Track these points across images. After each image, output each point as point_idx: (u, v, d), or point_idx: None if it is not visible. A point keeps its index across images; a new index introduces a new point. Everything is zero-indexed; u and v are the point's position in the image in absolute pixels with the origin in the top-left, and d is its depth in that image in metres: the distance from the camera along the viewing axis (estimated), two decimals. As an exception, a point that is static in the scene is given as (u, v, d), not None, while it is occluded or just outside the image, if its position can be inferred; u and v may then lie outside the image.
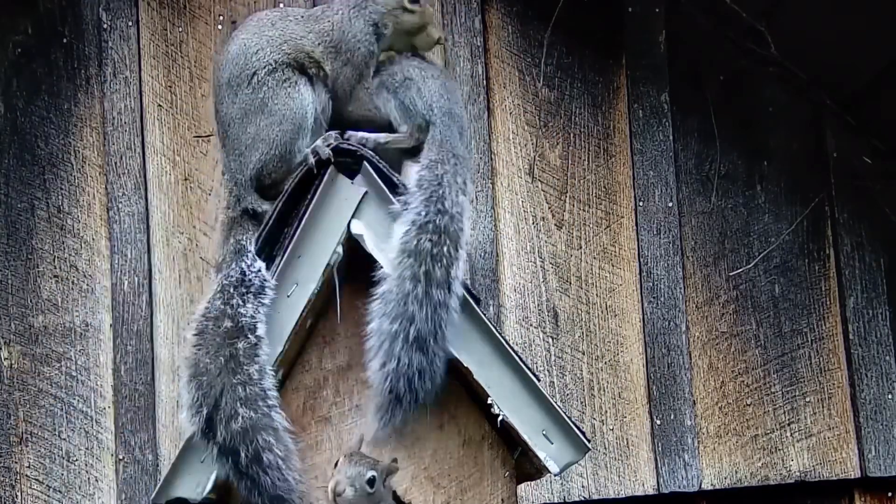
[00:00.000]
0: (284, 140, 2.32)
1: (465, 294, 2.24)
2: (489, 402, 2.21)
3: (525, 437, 2.21)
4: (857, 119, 3.37)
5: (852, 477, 3.30)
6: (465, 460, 2.27)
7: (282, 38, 2.36)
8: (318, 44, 2.36)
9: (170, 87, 3.21)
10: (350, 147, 2.25)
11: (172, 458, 2.24)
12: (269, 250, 2.28)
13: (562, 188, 3.32)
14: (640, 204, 3.32)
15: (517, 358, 2.23)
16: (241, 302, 2.18)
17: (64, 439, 3.09)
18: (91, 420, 3.10)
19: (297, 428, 2.23)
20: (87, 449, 3.09)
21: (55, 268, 3.14)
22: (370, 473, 2.14)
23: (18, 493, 3.06)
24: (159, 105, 3.20)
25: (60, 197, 3.17)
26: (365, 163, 2.23)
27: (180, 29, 3.23)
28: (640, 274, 3.30)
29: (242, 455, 2.10)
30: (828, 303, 3.37)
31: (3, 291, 3.12)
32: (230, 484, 2.15)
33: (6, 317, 3.12)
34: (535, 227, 3.29)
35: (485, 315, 2.25)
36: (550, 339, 3.25)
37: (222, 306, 2.19)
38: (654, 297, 3.29)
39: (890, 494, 3.34)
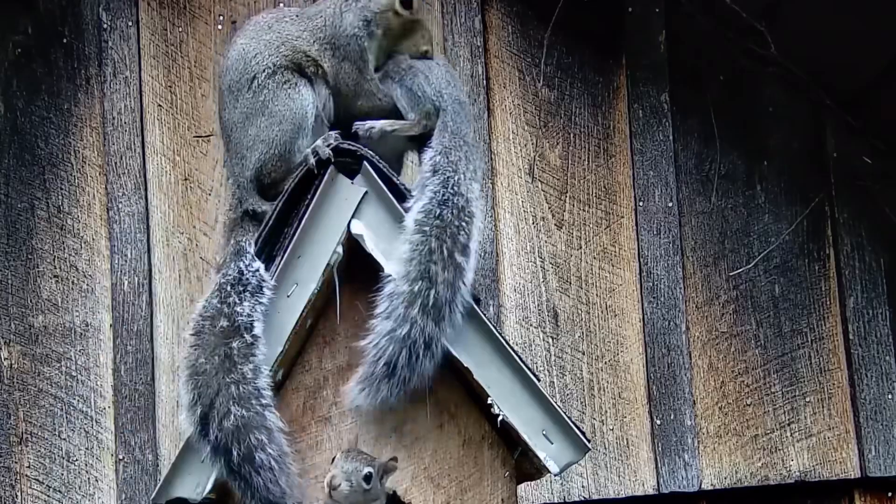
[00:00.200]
0: (284, 139, 2.32)
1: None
2: (489, 402, 2.21)
3: (525, 437, 2.21)
4: (857, 119, 3.37)
5: (852, 477, 3.30)
6: (465, 460, 2.27)
7: (279, 41, 2.37)
8: (314, 42, 2.37)
9: (170, 87, 3.21)
10: (350, 147, 2.25)
11: (172, 458, 2.24)
12: (269, 250, 2.28)
13: (562, 188, 3.32)
14: (640, 204, 3.32)
15: (517, 358, 2.23)
16: (237, 301, 2.18)
17: (64, 439, 3.09)
18: (91, 420, 3.10)
19: (296, 428, 2.23)
20: (87, 449, 3.09)
21: (55, 268, 3.14)
22: (367, 469, 2.14)
23: (18, 493, 3.06)
24: (159, 105, 3.20)
25: (60, 197, 3.17)
26: (365, 163, 2.23)
27: (180, 29, 3.23)
28: (640, 274, 3.30)
29: (234, 454, 2.09)
30: (828, 303, 3.37)
31: (3, 291, 3.12)
32: (228, 484, 2.15)
33: (6, 317, 3.12)
34: (535, 227, 3.29)
35: (485, 315, 2.25)
36: (550, 339, 3.25)
37: (219, 305, 2.19)
38: (654, 297, 3.29)
39: (890, 494, 3.34)
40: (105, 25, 3.21)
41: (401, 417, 2.25)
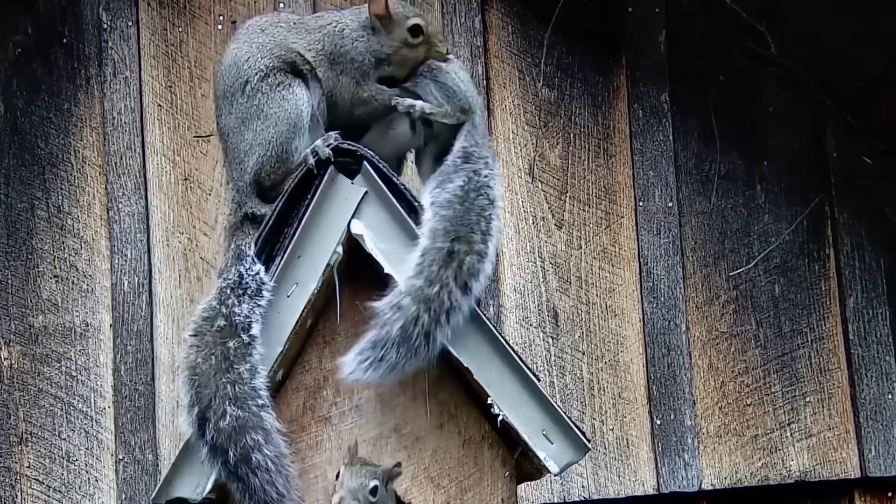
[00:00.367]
0: (280, 140, 2.32)
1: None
2: (489, 402, 2.21)
3: (525, 437, 2.21)
4: (857, 119, 3.37)
5: (852, 477, 3.30)
6: (465, 460, 2.27)
7: (272, 43, 2.35)
8: (310, 49, 2.36)
9: (170, 87, 3.21)
10: (350, 147, 2.25)
11: (172, 458, 2.24)
12: (268, 250, 2.28)
13: (562, 188, 3.32)
14: (640, 204, 3.32)
15: (517, 358, 2.23)
16: (236, 302, 2.17)
17: (64, 439, 3.09)
18: (91, 420, 3.10)
19: (296, 428, 2.23)
20: (87, 449, 3.09)
21: (55, 268, 3.14)
22: (372, 483, 2.13)
23: (18, 493, 3.06)
24: (159, 105, 3.20)
25: (60, 197, 3.17)
26: (365, 163, 2.23)
27: (180, 29, 3.23)
28: (640, 274, 3.30)
29: (231, 454, 2.09)
30: (828, 303, 3.37)
31: (3, 291, 3.12)
32: (227, 485, 2.15)
33: (6, 317, 3.12)
34: (535, 227, 3.29)
35: (485, 315, 2.25)
36: (550, 339, 3.25)
37: (218, 306, 2.19)
38: (654, 297, 3.29)
39: (890, 494, 3.34)
40: (105, 25, 3.21)
41: (401, 417, 2.25)
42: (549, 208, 3.30)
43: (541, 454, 2.21)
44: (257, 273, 2.21)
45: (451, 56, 2.43)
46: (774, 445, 3.29)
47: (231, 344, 2.14)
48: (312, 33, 2.37)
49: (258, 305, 2.18)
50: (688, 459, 3.24)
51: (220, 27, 3.23)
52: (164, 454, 3.09)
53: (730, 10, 3.23)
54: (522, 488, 2.79)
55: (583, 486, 3.21)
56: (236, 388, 2.12)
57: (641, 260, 3.31)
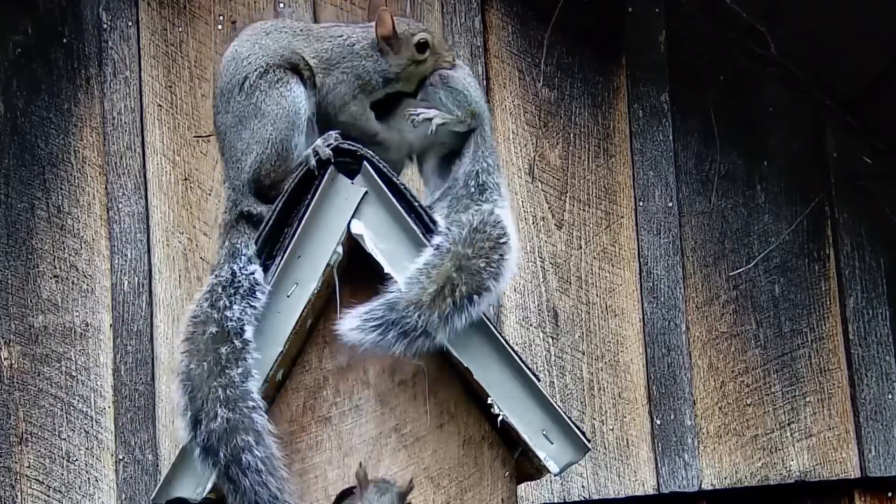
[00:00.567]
0: (280, 137, 2.31)
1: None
2: (489, 402, 2.21)
3: (525, 437, 2.21)
4: (857, 119, 3.37)
5: (852, 477, 3.30)
6: (465, 460, 2.27)
7: (276, 45, 2.35)
8: (314, 57, 2.36)
9: (170, 87, 3.21)
10: (350, 147, 2.25)
11: (172, 458, 2.24)
12: (268, 251, 2.28)
13: (562, 188, 3.32)
14: (640, 204, 3.32)
15: (517, 358, 2.23)
16: (227, 304, 2.16)
17: (64, 439, 3.09)
18: (91, 420, 3.10)
19: (296, 428, 2.23)
20: (87, 449, 3.09)
21: (55, 268, 3.14)
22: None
23: (18, 493, 3.06)
24: (159, 105, 3.21)
25: (60, 197, 3.17)
26: (365, 163, 2.23)
27: (180, 29, 3.23)
28: (640, 274, 3.30)
29: (222, 455, 2.09)
30: (828, 303, 3.37)
31: (3, 291, 3.13)
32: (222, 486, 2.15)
33: (6, 317, 3.12)
34: (535, 227, 3.29)
35: (485, 315, 2.25)
36: (550, 339, 3.25)
37: (209, 309, 2.18)
38: (654, 297, 3.29)
39: (890, 494, 3.34)
40: (105, 25, 3.21)
41: (401, 417, 2.25)
42: (549, 208, 3.30)
43: (541, 454, 2.21)
44: (252, 273, 2.20)
45: (458, 62, 2.44)
46: (774, 445, 3.29)
47: (223, 350, 2.14)
48: (321, 41, 2.37)
49: (251, 306, 2.17)
50: (688, 459, 3.24)
51: (220, 27, 3.23)
52: (164, 454, 3.09)
53: (730, 10, 3.23)
54: (522, 488, 2.80)
55: (583, 486, 3.21)
56: (227, 391, 2.11)
57: (641, 260, 3.31)
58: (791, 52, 3.28)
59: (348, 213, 2.21)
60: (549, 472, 2.24)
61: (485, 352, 2.21)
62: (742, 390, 3.30)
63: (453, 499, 2.25)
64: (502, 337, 2.24)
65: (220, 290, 2.19)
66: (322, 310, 2.27)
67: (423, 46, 2.37)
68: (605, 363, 3.26)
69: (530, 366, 2.27)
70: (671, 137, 3.35)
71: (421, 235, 2.19)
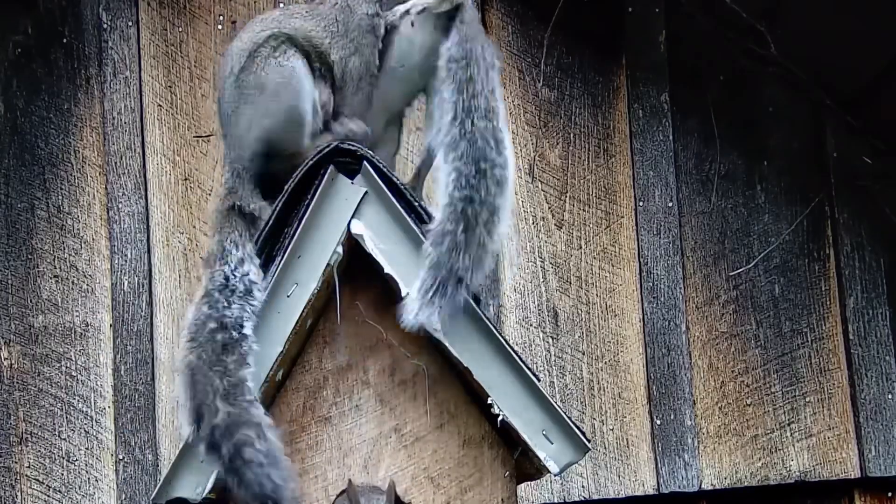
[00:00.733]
0: (289, 105, 2.27)
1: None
2: (489, 402, 2.21)
3: (525, 437, 2.21)
4: (857, 119, 3.37)
5: (852, 477, 3.30)
6: (465, 460, 2.27)
7: (289, 29, 2.33)
8: (325, 37, 2.34)
9: (170, 87, 3.21)
10: (350, 147, 2.25)
11: (172, 458, 2.23)
12: (268, 250, 2.28)
13: (562, 188, 3.32)
14: (640, 204, 3.32)
15: (517, 358, 2.23)
16: (226, 304, 2.17)
17: (64, 439, 3.09)
18: (91, 420, 3.10)
19: (296, 428, 2.23)
20: (87, 449, 3.09)
21: (55, 268, 3.14)
22: None
23: (18, 493, 3.06)
24: (159, 105, 3.21)
25: (60, 197, 3.17)
26: (365, 163, 2.23)
27: (180, 29, 3.23)
28: (640, 274, 3.30)
29: (224, 450, 2.09)
30: (828, 303, 3.37)
31: (3, 291, 3.13)
32: (227, 482, 2.15)
33: (6, 317, 3.12)
34: (535, 227, 3.29)
35: (485, 315, 2.25)
36: (550, 339, 3.25)
37: (208, 311, 2.19)
38: (654, 297, 3.29)
39: (890, 494, 3.34)
40: (105, 25, 3.21)
41: (401, 417, 2.25)
42: (549, 208, 3.30)
43: (541, 454, 2.21)
44: (245, 275, 2.20)
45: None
46: (774, 445, 3.29)
47: (219, 337, 2.14)
48: (327, 18, 2.35)
49: (249, 304, 2.18)
50: (688, 459, 3.24)
51: (220, 27, 3.23)
52: (164, 454, 3.09)
53: (730, 10, 3.23)
54: (522, 488, 2.80)
55: (583, 486, 3.21)
56: (224, 380, 2.11)
57: (641, 260, 3.31)
58: (791, 52, 3.28)
59: (348, 213, 2.21)
60: (549, 472, 2.24)
61: (485, 352, 2.21)
62: (742, 390, 3.30)
63: (453, 499, 2.25)
64: (502, 337, 2.24)
65: (216, 294, 2.19)
66: (322, 310, 2.27)
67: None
68: (605, 363, 3.26)
69: (530, 366, 2.27)
70: (671, 137, 3.35)
71: (421, 235, 2.18)
